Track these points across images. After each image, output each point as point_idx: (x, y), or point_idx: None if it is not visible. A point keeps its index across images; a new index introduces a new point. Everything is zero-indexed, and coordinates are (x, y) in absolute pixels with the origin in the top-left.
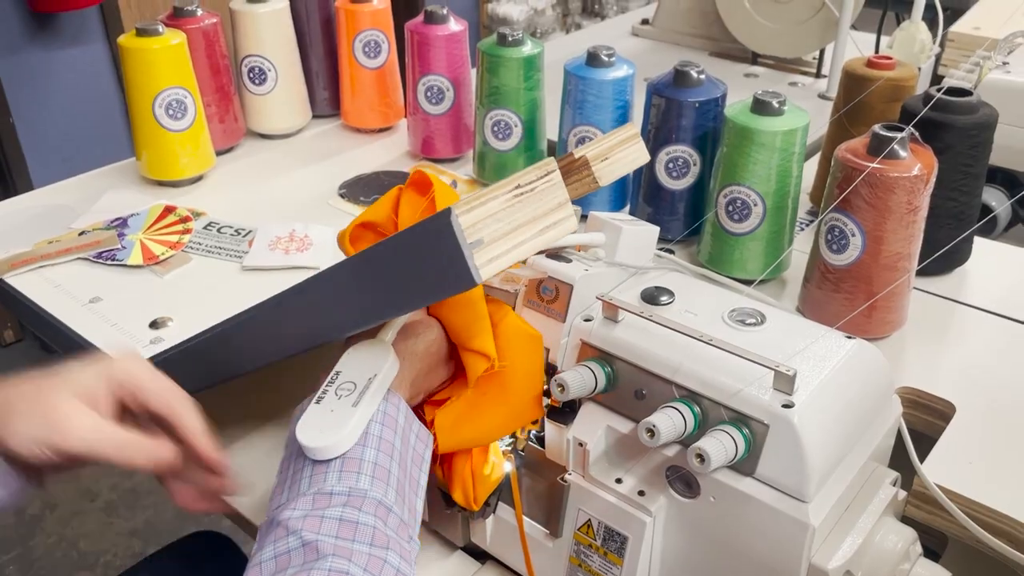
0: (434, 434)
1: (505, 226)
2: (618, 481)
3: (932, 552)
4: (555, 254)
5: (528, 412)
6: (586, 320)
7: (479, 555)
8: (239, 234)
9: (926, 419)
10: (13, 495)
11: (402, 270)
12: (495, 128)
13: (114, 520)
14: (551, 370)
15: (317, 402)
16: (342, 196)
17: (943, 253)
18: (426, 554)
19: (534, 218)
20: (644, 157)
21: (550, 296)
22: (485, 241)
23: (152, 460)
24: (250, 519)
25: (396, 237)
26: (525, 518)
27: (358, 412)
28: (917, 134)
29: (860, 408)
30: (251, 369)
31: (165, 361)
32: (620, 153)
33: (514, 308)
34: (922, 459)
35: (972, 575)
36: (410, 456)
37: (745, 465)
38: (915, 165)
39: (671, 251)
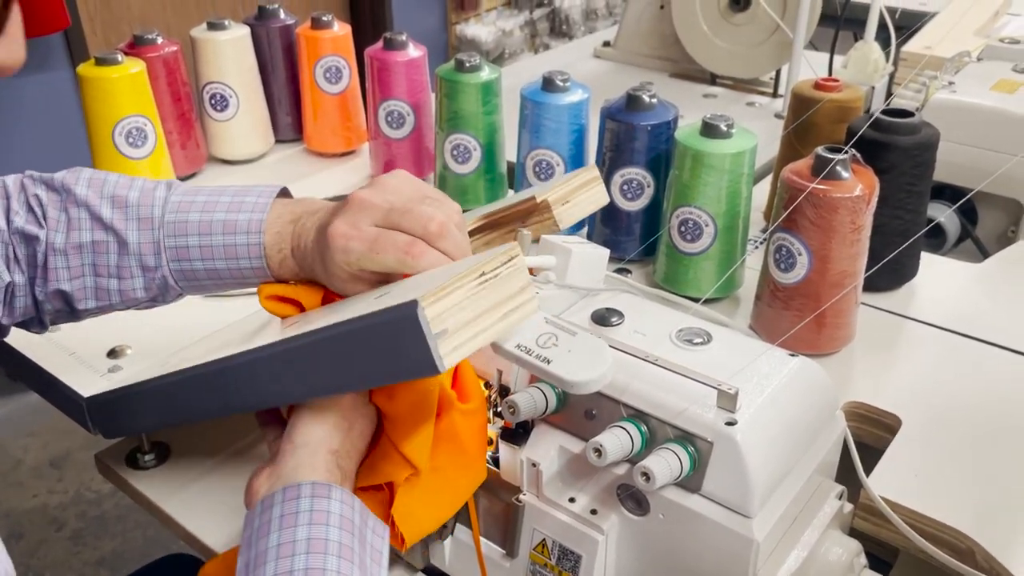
0: (400, 535)
1: (469, 314)
2: (571, 500)
3: (885, 564)
4: None
5: (482, 468)
6: None
7: None
8: None
9: (874, 432)
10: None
11: (363, 353)
12: (455, 152)
13: (81, 549)
14: (504, 391)
15: (548, 361)
16: None
17: (891, 269)
18: None
19: (498, 303)
20: (604, 199)
21: None
22: (450, 331)
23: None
24: (204, 542)
25: (359, 320)
26: (482, 539)
27: (591, 340)
28: (859, 155)
29: (803, 424)
30: (199, 420)
31: (117, 399)
32: (581, 196)
33: None
34: (869, 472)
35: None
36: (368, 555)
37: (691, 482)
38: (857, 185)
39: (628, 271)
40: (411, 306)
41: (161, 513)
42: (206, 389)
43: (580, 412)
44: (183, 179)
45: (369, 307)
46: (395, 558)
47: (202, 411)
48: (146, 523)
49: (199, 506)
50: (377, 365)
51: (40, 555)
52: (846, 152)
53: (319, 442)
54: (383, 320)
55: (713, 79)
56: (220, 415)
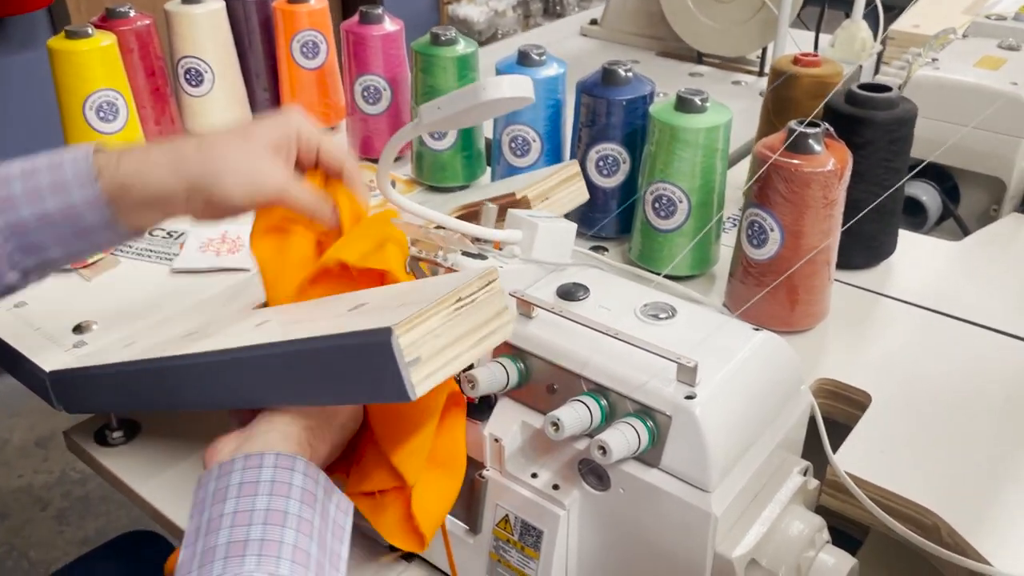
0: (423, 533)
1: (444, 341)
2: (534, 476)
3: (856, 541)
4: (472, 252)
5: None
6: None
7: (405, 554)
8: (171, 236)
9: (844, 409)
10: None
11: (334, 373)
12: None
13: (65, 529)
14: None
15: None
16: None
17: (868, 246)
18: (353, 554)
19: (473, 328)
20: (584, 196)
21: None
22: (423, 358)
23: (326, 218)
24: (174, 521)
25: (332, 339)
26: (447, 515)
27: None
28: (832, 129)
29: (766, 399)
30: (162, 409)
31: (82, 377)
32: (561, 193)
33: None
34: (837, 448)
35: (891, 562)
36: (330, 530)
37: (650, 456)
38: (829, 160)
39: (604, 249)
40: (385, 333)
41: (128, 491)
42: (172, 382)
43: (542, 387)
44: None
45: (345, 321)
46: (362, 535)
47: (166, 403)
48: (130, 503)
49: (167, 484)
50: (348, 386)
51: (25, 534)
52: (818, 126)
53: (296, 416)
54: (356, 343)
55: (699, 58)
56: (183, 408)
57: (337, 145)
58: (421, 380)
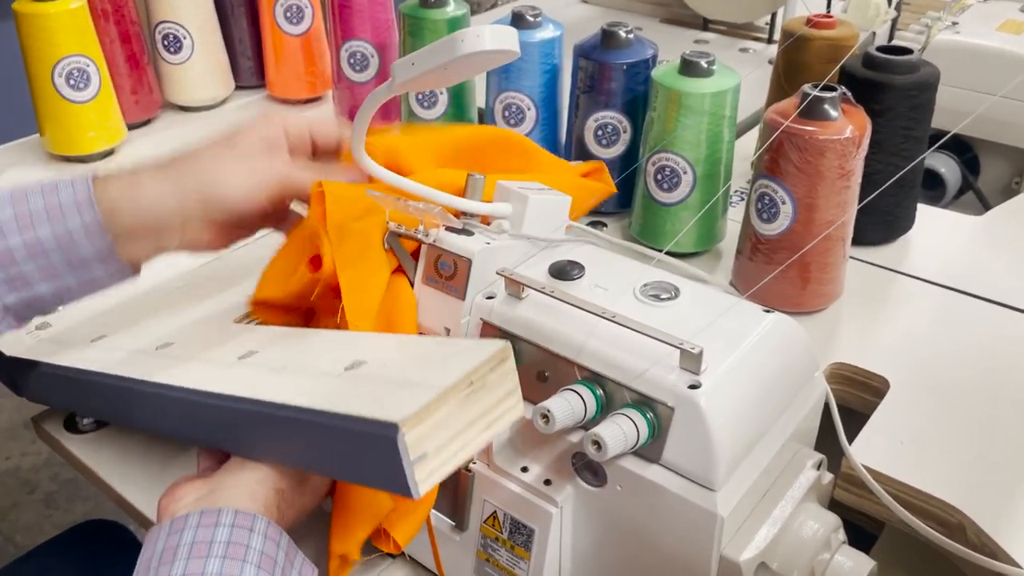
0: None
1: (451, 432)
2: (524, 470)
3: (870, 536)
4: (456, 227)
5: None
6: (488, 298)
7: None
8: None
9: (860, 396)
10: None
11: (331, 451)
12: (420, 96)
13: (53, 512)
14: None
15: None
16: None
17: (884, 221)
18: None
19: (482, 413)
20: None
21: (448, 272)
22: (429, 454)
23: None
24: (144, 512)
25: (333, 417)
26: (432, 511)
27: None
28: (849, 94)
29: (778, 387)
30: (127, 426)
31: (44, 374)
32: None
33: (415, 269)
34: (853, 439)
35: (909, 560)
36: None
37: (651, 451)
38: (847, 127)
39: (603, 224)
40: (391, 429)
41: (97, 479)
42: (141, 406)
43: (533, 374)
44: (137, 126)
45: (341, 385)
46: None
47: (129, 421)
48: None
49: (137, 472)
50: (341, 466)
51: (12, 518)
52: (834, 90)
53: (269, 474)
54: (358, 430)
55: (705, 24)
56: (149, 431)
57: (326, 123)
58: (425, 477)
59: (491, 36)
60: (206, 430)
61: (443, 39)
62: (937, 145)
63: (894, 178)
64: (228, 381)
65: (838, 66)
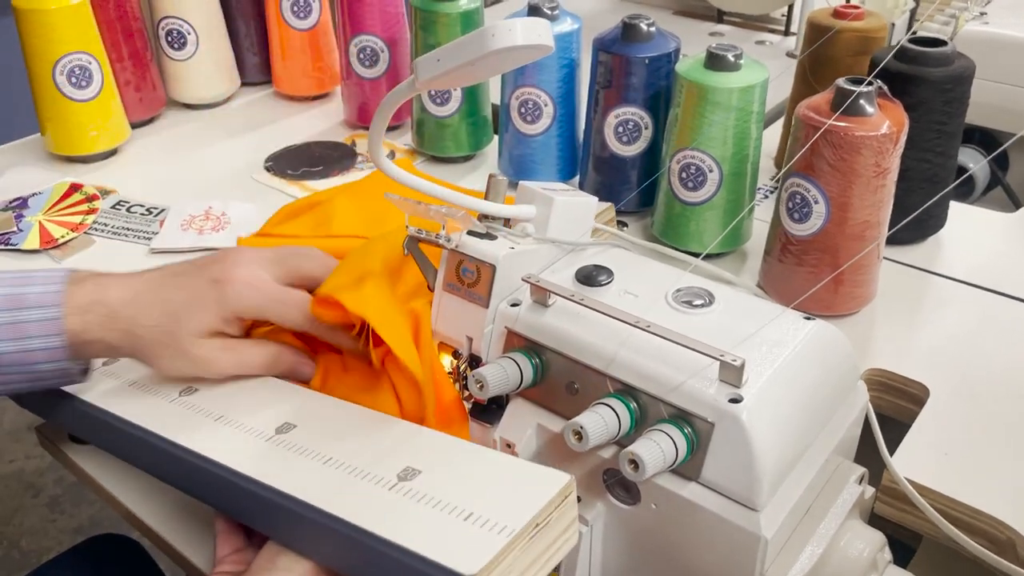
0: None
1: (516, 573)
2: None
3: (907, 548)
4: (479, 231)
5: None
6: (513, 305)
7: None
8: (150, 213)
9: (898, 404)
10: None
11: None
12: (432, 92)
13: (57, 517)
14: (474, 362)
15: None
16: (268, 169)
17: (916, 220)
18: None
19: (544, 549)
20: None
21: (471, 278)
22: None
23: (305, 373)
24: (160, 533)
25: (403, 552)
26: None
27: None
28: (886, 88)
29: (820, 398)
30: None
31: (85, 416)
32: None
33: (435, 276)
34: (893, 450)
35: (948, 574)
36: None
37: (689, 468)
38: (883, 123)
39: (624, 224)
40: None
41: (101, 490)
42: (168, 467)
43: (561, 386)
44: (140, 125)
45: (395, 501)
46: None
47: (149, 471)
48: None
49: (138, 482)
50: None
51: (16, 522)
52: (871, 84)
53: (308, 573)
54: (427, 572)
55: (720, 16)
56: (173, 486)
57: (284, 305)
58: None
59: (523, 30)
60: (242, 509)
61: (471, 33)
62: (973, 140)
63: (931, 174)
64: (269, 464)
65: (869, 59)
